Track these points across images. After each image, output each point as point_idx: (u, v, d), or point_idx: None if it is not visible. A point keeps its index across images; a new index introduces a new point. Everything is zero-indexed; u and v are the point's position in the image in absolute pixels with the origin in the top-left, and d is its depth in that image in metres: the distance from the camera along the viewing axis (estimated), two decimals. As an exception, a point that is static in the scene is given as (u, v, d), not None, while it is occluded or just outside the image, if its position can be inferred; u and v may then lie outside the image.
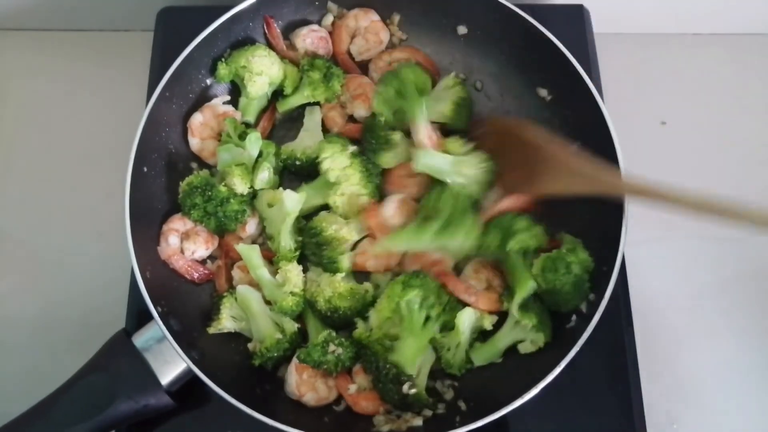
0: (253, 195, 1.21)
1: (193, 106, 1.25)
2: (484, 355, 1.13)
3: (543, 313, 1.11)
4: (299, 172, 1.24)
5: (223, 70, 1.24)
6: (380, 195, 1.20)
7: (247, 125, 1.26)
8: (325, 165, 1.17)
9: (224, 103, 1.26)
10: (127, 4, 1.43)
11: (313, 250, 1.16)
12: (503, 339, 1.12)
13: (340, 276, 1.14)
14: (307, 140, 1.24)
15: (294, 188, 1.18)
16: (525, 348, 1.11)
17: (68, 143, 1.41)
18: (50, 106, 1.45)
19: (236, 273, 1.18)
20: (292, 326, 1.12)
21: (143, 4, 1.39)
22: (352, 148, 1.18)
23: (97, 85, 1.45)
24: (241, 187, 1.17)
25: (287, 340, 1.11)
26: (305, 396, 1.10)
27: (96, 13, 1.47)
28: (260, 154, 1.20)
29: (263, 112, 1.30)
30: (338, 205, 1.17)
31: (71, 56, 1.49)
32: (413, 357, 1.09)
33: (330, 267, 1.16)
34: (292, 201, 1.14)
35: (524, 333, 1.10)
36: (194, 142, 1.23)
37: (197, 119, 1.23)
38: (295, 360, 1.11)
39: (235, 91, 1.29)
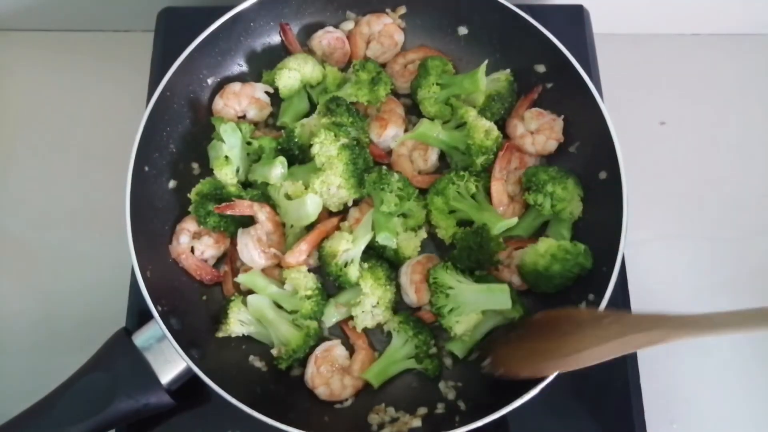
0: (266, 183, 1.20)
1: (193, 106, 1.25)
2: (463, 345, 1.13)
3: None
4: (293, 157, 1.23)
5: (266, 76, 1.28)
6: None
7: (283, 128, 1.24)
8: (315, 149, 1.16)
9: (265, 92, 1.28)
10: (127, 4, 1.43)
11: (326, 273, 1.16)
12: (483, 326, 1.13)
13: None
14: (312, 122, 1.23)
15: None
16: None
17: (68, 143, 1.41)
18: (50, 105, 1.45)
19: (242, 278, 1.16)
20: (313, 323, 1.14)
21: (143, 4, 1.39)
22: (344, 140, 1.17)
23: (97, 85, 1.45)
24: (231, 178, 1.18)
25: (312, 337, 1.13)
26: (318, 389, 1.12)
27: (96, 13, 1.47)
28: (264, 151, 1.21)
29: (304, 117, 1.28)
30: (317, 190, 1.16)
31: (71, 56, 1.49)
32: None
33: (341, 282, 1.14)
34: (315, 206, 1.14)
35: (504, 318, 1.12)
36: (219, 103, 1.26)
37: (236, 86, 1.26)
38: (316, 352, 1.13)
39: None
